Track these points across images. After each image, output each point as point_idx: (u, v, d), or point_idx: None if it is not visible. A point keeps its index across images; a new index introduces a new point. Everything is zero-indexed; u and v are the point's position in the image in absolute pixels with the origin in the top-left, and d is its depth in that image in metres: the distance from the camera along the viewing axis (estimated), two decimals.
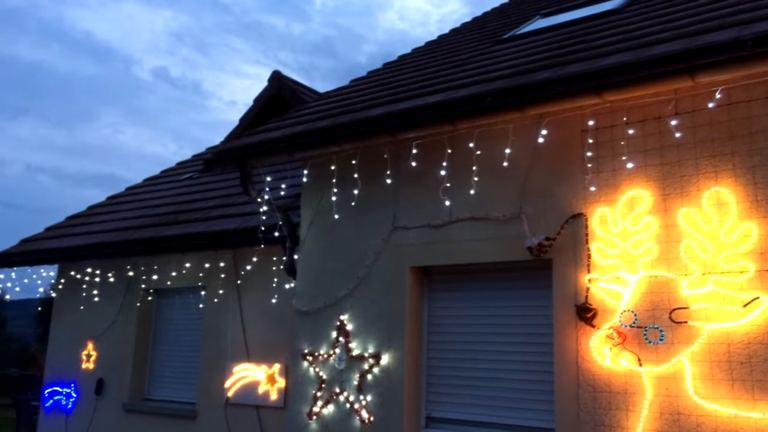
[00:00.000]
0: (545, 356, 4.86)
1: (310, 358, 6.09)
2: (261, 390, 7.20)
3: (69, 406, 9.05)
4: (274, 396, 7.10)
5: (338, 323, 5.96)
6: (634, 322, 4.36)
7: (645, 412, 4.22)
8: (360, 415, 5.63)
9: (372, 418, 5.57)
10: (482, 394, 5.26)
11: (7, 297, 18.36)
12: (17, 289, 11.09)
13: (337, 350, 5.91)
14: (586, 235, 4.68)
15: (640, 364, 4.28)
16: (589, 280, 4.60)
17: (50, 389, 9.36)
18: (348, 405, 5.74)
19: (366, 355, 5.73)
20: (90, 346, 9.06)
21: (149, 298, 8.79)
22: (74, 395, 9.05)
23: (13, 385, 11.93)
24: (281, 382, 7.07)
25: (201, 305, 8.11)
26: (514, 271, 5.25)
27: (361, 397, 5.67)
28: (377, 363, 5.65)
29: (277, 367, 7.15)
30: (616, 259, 4.53)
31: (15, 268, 10.13)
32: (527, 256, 4.90)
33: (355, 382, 5.73)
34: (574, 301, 4.64)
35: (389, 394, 5.54)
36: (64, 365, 9.33)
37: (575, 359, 4.58)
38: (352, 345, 5.84)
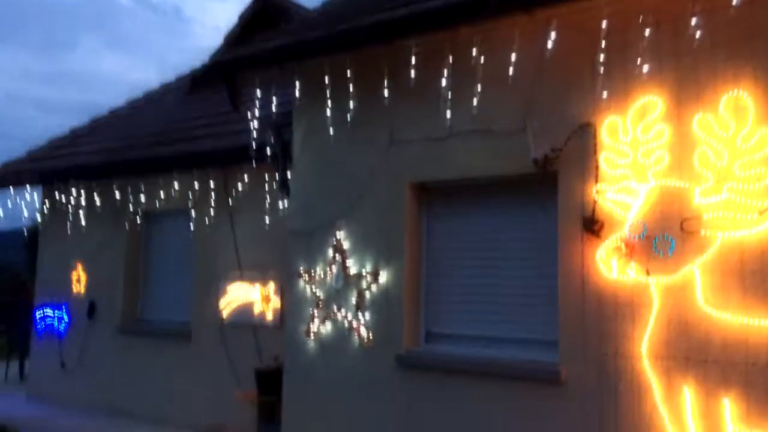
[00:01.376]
0: (549, 270, 4.76)
1: (306, 277, 5.99)
2: (256, 310, 7.14)
3: (61, 329, 9.00)
4: (269, 315, 7.04)
5: (334, 242, 5.83)
6: (642, 233, 4.25)
7: (652, 322, 4.16)
8: (359, 333, 5.58)
9: (371, 336, 5.52)
10: (483, 309, 5.20)
11: None
12: (0, 216, 10.86)
13: (334, 269, 5.80)
14: (595, 145, 4.50)
15: (648, 275, 4.20)
16: (597, 192, 4.45)
17: (41, 313, 9.28)
18: (346, 323, 5.68)
19: (364, 273, 5.62)
20: (80, 268, 8.93)
21: (138, 222, 8.61)
22: (66, 318, 8.98)
23: (5, 312, 11.80)
24: (276, 302, 7.00)
25: (192, 227, 7.94)
26: (517, 186, 5.08)
27: (360, 315, 5.60)
28: (375, 281, 5.55)
29: (272, 286, 7.06)
30: (626, 169, 4.37)
31: None
32: (531, 169, 4.73)
33: (353, 301, 5.65)
34: (580, 214, 4.51)
35: (388, 311, 5.47)
36: (54, 289, 9.22)
37: (580, 272, 4.49)
38: (350, 263, 5.72)
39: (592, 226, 4.41)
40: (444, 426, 5.07)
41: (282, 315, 6.96)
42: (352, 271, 5.69)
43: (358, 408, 5.54)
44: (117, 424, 7.77)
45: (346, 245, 5.77)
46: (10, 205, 10.36)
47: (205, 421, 7.34)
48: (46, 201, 9.44)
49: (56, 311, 9.08)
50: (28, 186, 9.31)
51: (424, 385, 5.22)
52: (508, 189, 5.15)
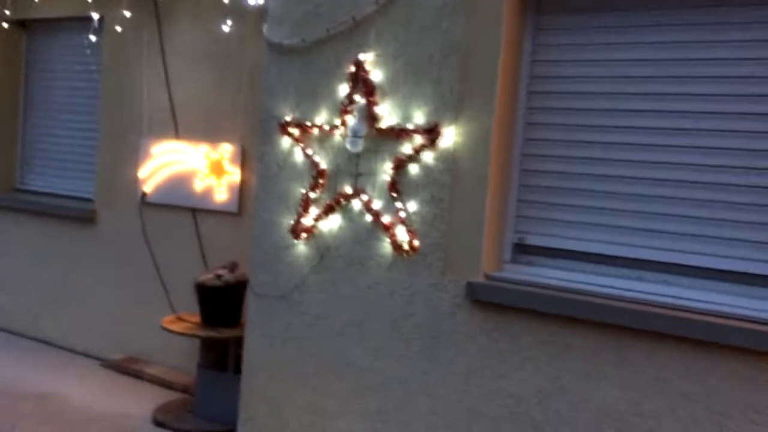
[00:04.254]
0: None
1: (296, 133, 3.36)
2: (198, 185, 4.49)
3: None
4: (221, 195, 4.41)
5: (352, 68, 3.19)
6: None
7: None
8: (393, 236, 3.08)
9: (416, 242, 3.04)
10: (612, 210, 2.77)
11: None
12: None
13: (350, 119, 3.19)
14: None
15: None
16: None
17: None
18: (370, 217, 3.16)
19: (409, 128, 3.05)
20: None
21: (14, 36, 5.60)
22: None
23: None
24: (234, 174, 4.36)
25: (96, 46, 5.05)
26: None
27: (398, 205, 3.08)
28: (431, 144, 3.00)
29: (227, 148, 4.39)
30: None
31: None
32: None
33: (386, 177, 3.11)
34: None
35: (454, 200, 2.97)
36: None
37: None
38: (381, 110, 3.13)
39: None
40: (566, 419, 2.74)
41: (243, 196, 4.36)
42: (386, 122, 3.11)
43: (381, 371, 3.14)
44: None
45: (375, 75, 3.15)
46: None
47: (113, 353, 4.83)
48: None
49: None
50: None
51: (515, 341, 2.84)
52: None
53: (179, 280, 4.56)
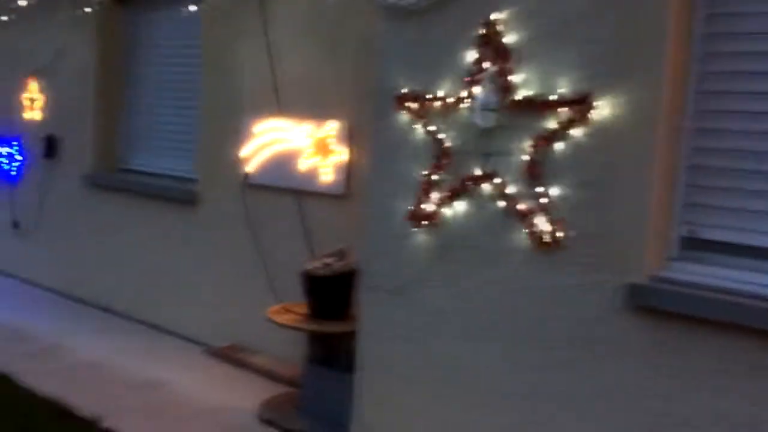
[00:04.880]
0: None
1: (415, 107, 2.97)
2: (303, 165, 4.18)
3: (13, 173, 6.18)
4: (327, 176, 4.09)
5: (482, 30, 2.75)
6: None
7: None
8: (532, 226, 2.65)
9: (560, 234, 2.59)
10: None
11: None
12: None
13: (479, 90, 2.76)
14: None
15: None
16: None
17: None
18: (503, 203, 2.73)
19: (553, 99, 2.59)
20: (33, 86, 5.94)
21: (112, 13, 5.48)
22: (19, 157, 6.13)
23: None
24: (341, 154, 4.02)
25: (196, 20, 4.82)
26: None
27: (538, 190, 2.63)
28: (581, 118, 2.53)
29: (333, 126, 4.05)
30: None
31: None
32: None
33: (523, 157, 2.67)
34: None
35: (609, 184, 2.49)
36: (0, 116, 6.30)
37: None
38: (517, 78, 2.68)
39: None
40: None
41: (351, 177, 4.02)
42: (524, 92, 2.66)
43: (516, 382, 2.73)
44: (80, 328, 5.11)
45: (510, 38, 2.69)
46: None
47: (216, 340, 4.65)
48: None
49: (5, 147, 6.22)
50: None
51: (688, 356, 2.35)
52: None
53: (283, 266, 4.30)
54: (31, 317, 5.10)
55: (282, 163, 4.28)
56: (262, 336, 4.41)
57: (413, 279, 3.02)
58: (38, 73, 5.86)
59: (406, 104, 3.00)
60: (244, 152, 4.46)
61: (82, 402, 3.64)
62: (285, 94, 4.29)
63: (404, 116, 3.02)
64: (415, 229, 3.00)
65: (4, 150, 6.21)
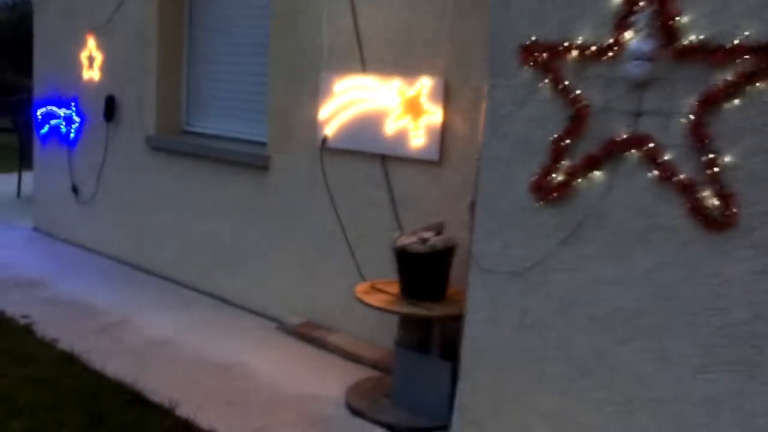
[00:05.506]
0: None
1: (544, 57, 2.50)
2: (390, 127, 3.77)
3: (71, 136, 5.93)
4: (418, 139, 3.67)
5: None
6: None
7: None
8: (696, 201, 2.19)
9: (734, 210, 2.13)
10: None
11: None
12: None
13: (632, 35, 2.29)
14: None
15: None
16: None
17: (44, 110, 6.19)
18: (656, 173, 2.28)
19: (731, 46, 2.10)
20: (91, 44, 5.63)
21: None
22: (77, 119, 5.87)
23: (10, 107, 8.86)
24: (435, 114, 3.59)
25: None
26: None
27: (705, 158, 2.17)
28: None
29: (426, 83, 3.61)
30: None
31: None
32: None
33: (687, 118, 2.20)
34: None
35: None
36: (57, 75, 6.02)
37: None
38: (683, 19, 2.19)
39: None
40: None
41: (445, 141, 3.59)
42: (691, 38, 2.17)
43: (665, 383, 2.30)
44: (145, 301, 4.86)
45: None
46: None
47: (290, 316, 4.33)
48: None
49: (63, 108, 5.96)
50: None
51: None
52: None
53: (366, 238, 3.93)
54: (95, 289, 4.86)
55: (366, 126, 3.87)
56: (341, 313, 4.07)
57: (537, 261, 2.60)
58: (97, 30, 5.54)
59: (533, 54, 2.55)
60: (322, 114, 4.07)
61: (154, 385, 3.37)
62: (370, 47, 3.86)
63: (529, 70, 2.57)
64: (540, 204, 2.57)
65: (62, 112, 5.95)
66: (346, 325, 4.09)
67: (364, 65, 3.89)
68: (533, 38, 2.54)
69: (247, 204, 4.63)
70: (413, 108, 3.65)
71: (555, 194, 2.53)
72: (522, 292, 2.66)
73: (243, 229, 4.67)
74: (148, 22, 5.14)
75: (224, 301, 4.77)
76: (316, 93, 4.10)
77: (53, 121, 6.07)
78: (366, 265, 3.92)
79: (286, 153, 4.35)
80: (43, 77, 6.25)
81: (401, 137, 3.72)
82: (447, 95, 3.54)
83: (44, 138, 6.23)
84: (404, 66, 3.70)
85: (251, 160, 4.54)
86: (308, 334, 4.14)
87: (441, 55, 3.55)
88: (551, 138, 2.52)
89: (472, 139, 3.39)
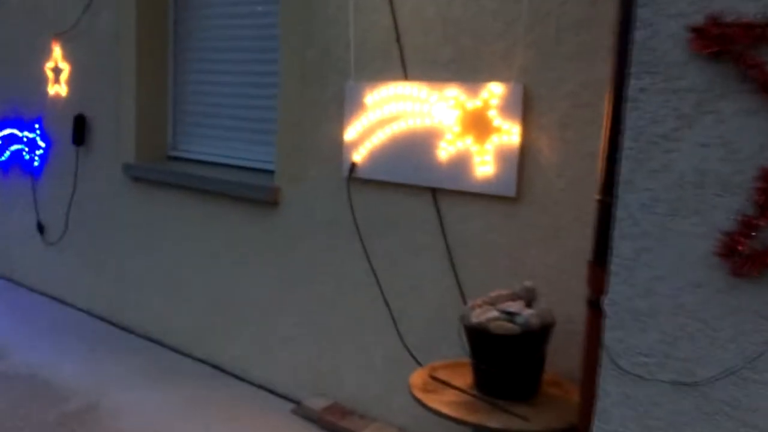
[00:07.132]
0: None
1: (731, 42, 1.55)
2: (444, 151, 2.81)
3: (35, 163, 4.95)
4: (485, 167, 2.70)
5: None
6: None
7: None
8: None
9: None
10: None
11: None
12: None
13: None
14: None
15: None
16: None
17: (3, 134, 5.21)
18: None
19: None
20: (57, 52, 4.67)
21: None
22: (42, 144, 4.90)
23: None
24: (510, 134, 2.63)
25: None
26: None
27: None
28: None
29: (496, 91, 2.65)
30: None
31: None
32: None
33: None
34: None
35: None
36: (18, 90, 5.05)
37: None
38: None
39: None
40: None
41: (524, 169, 2.62)
42: None
43: None
44: (125, 371, 3.89)
45: None
46: None
47: (310, 396, 3.34)
48: None
49: (26, 132, 4.99)
50: None
51: None
52: None
53: (411, 297, 2.97)
54: (61, 357, 3.87)
55: (409, 149, 2.91)
56: (376, 394, 3.10)
57: (724, 368, 1.63)
58: (64, 37, 4.58)
59: (716, 41, 1.60)
60: (349, 134, 3.11)
61: None
62: (413, 43, 2.91)
63: (708, 64, 1.62)
64: (734, 278, 1.61)
65: (25, 135, 4.98)
66: (385, 411, 3.11)
67: (405, 69, 2.93)
68: (713, 15, 1.59)
69: (250, 248, 3.65)
70: (478, 125, 2.69)
71: (763, 263, 1.56)
72: (695, 414, 1.69)
73: (245, 279, 3.69)
74: (124, 25, 4.18)
75: (221, 370, 3.79)
76: (340, 106, 3.14)
77: (14, 147, 5.09)
78: (411, 333, 2.95)
79: (300, 184, 3.38)
80: (0, 93, 5.27)
81: (461, 164, 2.76)
82: (527, 107, 2.59)
83: (4, 166, 5.24)
84: (464, 68, 2.75)
85: (254, 193, 3.57)
86: (334, 423, 3.15)
87: (517, 51, 2.60)
88: (754, 171, 1.56)
89: (565, 168, 2.44)
